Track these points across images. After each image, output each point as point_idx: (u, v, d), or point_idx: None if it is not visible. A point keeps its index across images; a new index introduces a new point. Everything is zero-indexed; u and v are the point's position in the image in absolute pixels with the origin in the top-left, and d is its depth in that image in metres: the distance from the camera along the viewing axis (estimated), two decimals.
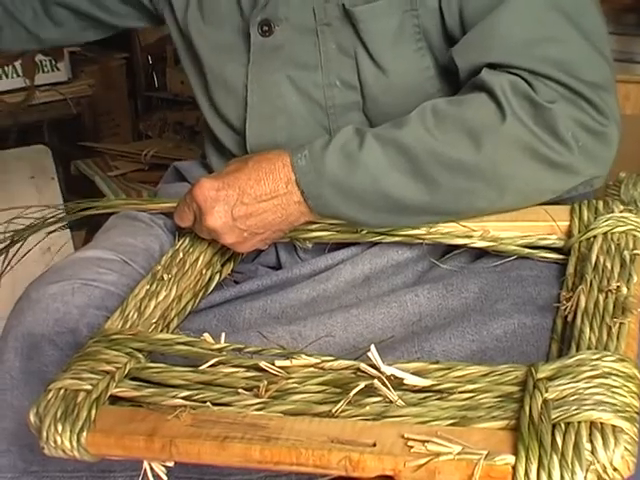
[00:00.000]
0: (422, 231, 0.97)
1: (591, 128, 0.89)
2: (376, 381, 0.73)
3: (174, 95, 2.47)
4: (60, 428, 0.75)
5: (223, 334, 0.84)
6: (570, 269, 0.90)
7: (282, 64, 1.03)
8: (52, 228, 1.11)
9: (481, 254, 0.98)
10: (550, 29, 0.91)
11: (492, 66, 0.91)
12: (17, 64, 2.46)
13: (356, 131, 0.93)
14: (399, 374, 0.73)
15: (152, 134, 2.45)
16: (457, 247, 0.99)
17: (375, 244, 1.01)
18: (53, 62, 2.54)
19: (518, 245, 0.96)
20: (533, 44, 0.90)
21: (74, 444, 0.74)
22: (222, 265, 1.05)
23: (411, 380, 0.73)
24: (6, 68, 2.45)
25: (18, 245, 1.10)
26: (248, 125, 1.06)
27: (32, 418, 0.77)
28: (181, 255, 1.01)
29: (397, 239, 0.99)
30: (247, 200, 0.93)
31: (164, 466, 0.75)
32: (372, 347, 0.75)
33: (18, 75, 2.48)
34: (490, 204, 0.93)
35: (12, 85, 2.47)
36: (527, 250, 0.96)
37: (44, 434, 0.75)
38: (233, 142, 1.10)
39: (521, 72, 0.89)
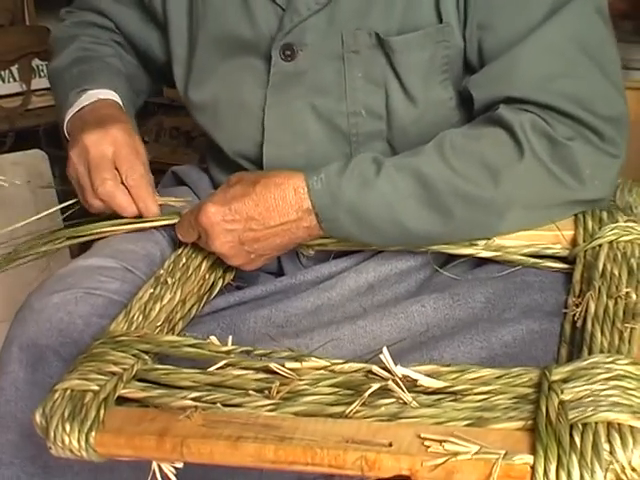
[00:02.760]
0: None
1: (605, 164, 0.92)
2: (390, 382, 0.72)
3: (170, 100, 2.45)
4: (68, 428, 0.73)
5: (230, 337, 0.83)
6: (577, 276, 0.91)
7: (304, 90, 1.02)
8: (46, 248, 1.10)
9: (485, 261, 0.98)
10: (569, 65, 0.92)
11: (509, 100, 0.92)
12: (14, 69, 2.44)
13: (373, 158, 0.93)
14: (413, 375, 0.73)
15: (148, 139, 2.43)
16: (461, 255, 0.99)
17: (378, 252, 1.01)
18: None
19: (523, 254, 0.97)
20: (552, 80, 0.91)
21: (82, 444, 0.73)
22: (224, 270, 1.04)
23: (425, 381, 0.73)
24: (2, 73, 2.43)
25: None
26: (265, 150, 1.05)
27: (38, 418, 0.76)
28: (184, 260, 1.01)
29: (402, 249, 0.99)
30: (255, 227, 0.93)
31: (173, 467, 0.74)
32: (384, 350, 0.75)
33: (15, 80, 2.46)
34: (498, 232, 0.95)
35: (9, 90, 2.44)
36: (532, 260, 0.96)
37: (51, 434, 0.74)
38: (245, 161, 1.09)
39: (539, 109, 0.91)
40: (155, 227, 1.06)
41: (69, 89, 1.11)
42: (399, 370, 0.73)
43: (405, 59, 0.98)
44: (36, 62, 2.47)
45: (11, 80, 2.45)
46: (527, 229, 0.96)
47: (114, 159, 1.01)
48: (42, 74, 2.49)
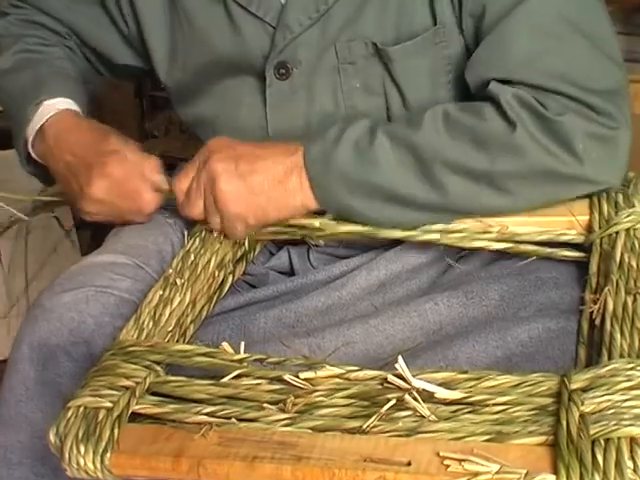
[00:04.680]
0: (438, 235, 0.95)
1: (602, 137, 0.89)
2: (407, 396, 0.71)
3: None
4: (83, 449, 0.72)
5: (243, 344, 0.82)
6: (593, 268, 0.89)
7: (303, 105, 1.00)
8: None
9: (499, 255, 0.96)
10: (555, 40, 0.90)
11: (498, 81, 0.90)
12: None
13: (369, 128, 0.92)
14: (430, 388, 0.71)
15: (158, 133, 2.41)
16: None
17: (389, 249, 0.99)
18: None
19: (537, 241, 0.95)
20: (537, 58, 0.89)
21: (98, 465, 0.72)
22: (234, 266, 1.02)
23: (442, 394, 0.72)
24: None
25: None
26: None
27: (52, 438, 0.75)
28: (192, 257, 0.99)
29: (413, 240, 0.97)
30: (253, 159, 0.93)
31: None
32: (399, 358, 0.74)
33: None
34: (502, 208, 0.93)
35: None
36: (547, 250, 0.94)
37: (66, 456, 0.73)
38: None
39: (526, 88, 0.89)
40: None
41: (23, 98, 1.10)
42: (416, 383, 0.72)
43: (404, 67, 0.96)
44: None
45: None
46: (532, 207, 0.93)
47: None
48: None
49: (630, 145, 0.92)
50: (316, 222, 0.98)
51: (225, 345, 0.82)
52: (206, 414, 0.74)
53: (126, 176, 1.01)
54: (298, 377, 0.76)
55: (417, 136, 0.90)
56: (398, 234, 0.96)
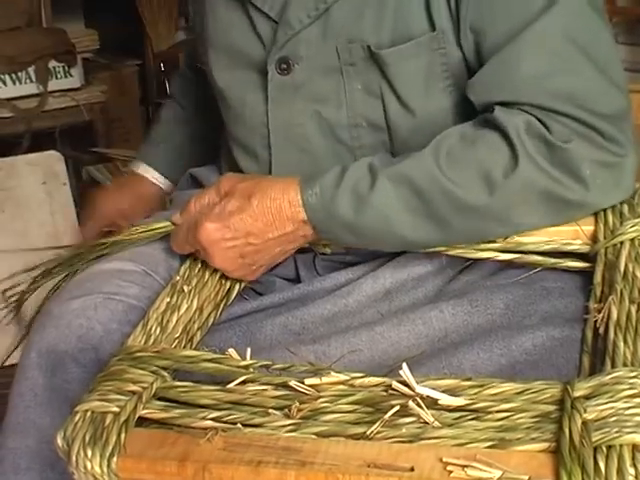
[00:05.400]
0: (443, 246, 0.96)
1: (609, 164, 0.89)
2: (411, 402, 0.72)
3: None
4: (90, 453, 0.73)
5: (249, 350, 0.83)
6: (598, 277, 0.89)
7: (304, 104, 1.00)
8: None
9: (504, 264, 0.97)
10: (563, 63, 0.89)
11: (504, 103, 0.90)
12: (30, 70, 2.47)
13: (369, 168, 0.91)
14: (434, 394, 0.72)
15: None
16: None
17: (395, 257, 1.00)
18: (66, 68, 2.54)
19: (542, 251, 0.95)
20: (545, 79, 0.89)
21: (104, 469, 0.73)
22: None
23: (446, 400, 0.72)
24: (19, 74, 2.45)
25: None
26: (274, 168, 1.04)
27: (60, 442, 0.76)
28: (200, 265, 1.00)
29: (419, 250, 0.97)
30: (254, 241, 0.93)
31: None
32: (404, 365, 0.74)
33: (31, 81, 2.49)
34: (504, 236, 0.94)
35: (25, 91, 2.47)
36: (552, 260, 0.95)
37: (73, 459, 0.74)
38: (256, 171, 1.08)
39: (533, 110, 0.88)
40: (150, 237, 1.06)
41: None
42: (420, 390, 0.72)
43: (399, 70, 0.96)
44: (52, 64, 2.51)
45: (28, 81, 2.47)
46: (530, 232, 0.93)
47: None
48: (58, 76, 2.51)
49: (636, 170, 0.93)
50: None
51: (231, 351, 0.83)
52: (212, 419, 0.75)
53: None
54: (303, 383, 0.77)
55: (420, 176, 0.89)
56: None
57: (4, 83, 2.45)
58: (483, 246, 0.96)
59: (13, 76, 2.46)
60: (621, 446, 0.65)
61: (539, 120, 0.88)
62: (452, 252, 0.95)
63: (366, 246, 0.96)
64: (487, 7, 0.91)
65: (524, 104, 0.88)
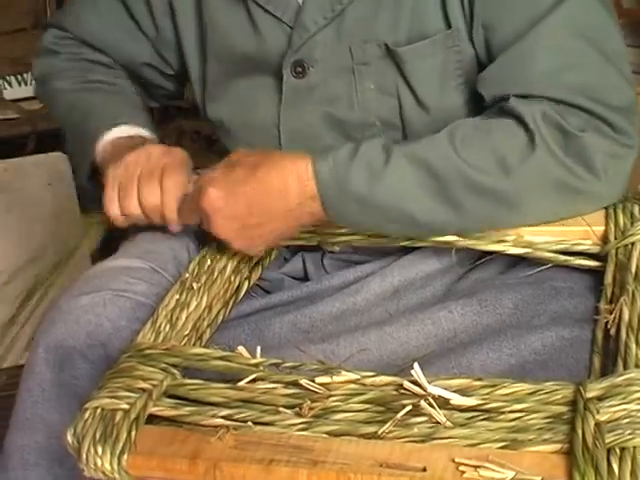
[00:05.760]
0: (453, 237, 0.96)
1: (619, 155, 0.90)
2: (422, 402, 0.71)
3: (191, 104, 2.44)
4: (100, 450, 0.73)
5: (259, 348, 0.83)
6: (608, 278, 0.89)
7: (317, 105, 1.00)
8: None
9: (513, 263, 0.97)
10: (574, 57, 0.91)
11: (519, 96, 0.90)
12: None
13: (383, 146, 0.90)
14: (445, 394, 0.72)
15: (169, 143, 2.42)
16: (489, 253, 0.98)
17: (403, 255, 1.00)
18: None
19: (553, 251, 0.95)
20: (558, 73, 0.90)
21: (115, 466, 0.73)
22: (250, 271, 1.03)
23: (458, 400, 0.72)
24: (25, 75, 2.44)
25: None
26: None
27: (70, 439, 0.76)
28: (209, 262, 1.00)
29: (428, 244, 0.97)
30: (257, 212, 0.92)
31: None
32: (415, 365, 0.74)
33: None
34: (510, 225, 0.94)
35: (31, 92, 2.41)
36: (563, 257, 0.94)
37: (83, 456, 0.74)
38: None
39: (548, 102, 0.89)
40: None
41: (97, 117, 1.10)
42: (432, 390, 0.72)
43: (416, 68, 0.96)
44: None
45: (33, 82, 2.45)
46: (543, 223, 0.93)
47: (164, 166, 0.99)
48: None
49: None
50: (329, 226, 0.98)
51: (241, 349, 0.83)
52: (222, 417, 0.75)
53: (179, 156, 1.02)
54: (314, 382, 0.76)
55: (435, 157, 0.89)
56: (408, 242, 0.96)
57: (9, 84, 2.45)
58: (492, 246, 0.96)
59: (19, 77, 2.45)
60: (634, 448, 0.65)
61: (555, 110, 0.88)
62: (462, 243, 0.95)
63: (371, 228, 0.94)
64: (499, 3, 0.92)
65: (538, 97, 0.89)
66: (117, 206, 1.00)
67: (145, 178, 0.98)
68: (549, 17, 0.90)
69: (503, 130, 0.89)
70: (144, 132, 1.09)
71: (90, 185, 1.11)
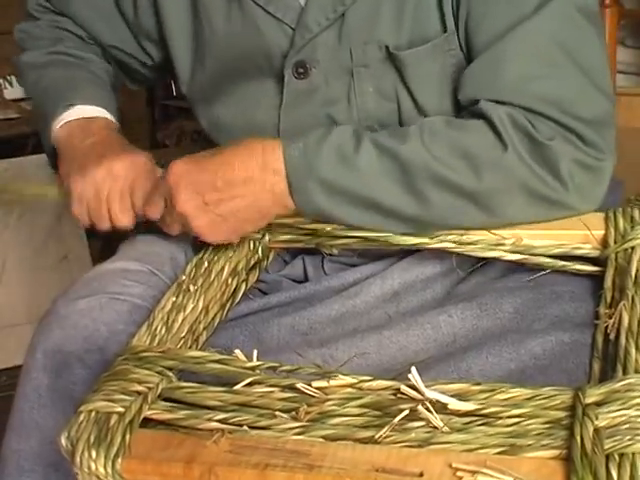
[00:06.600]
0: (452, 244, 0.94)
1: (588, 165, 0.89)
2: (420, 406, 0.71)
3: None
4: (94, 454, 0.72)
5: (255, 351, 0.82)
6: (608, 282, 0.88)
7: (317, 107, 1.00)
8: None
9: (513, 268, 0.96)
10: (548, 65, 0.90)
11: (488, 100, 0.90)
12: None
13: (354, 132, 0.91)
14: (443, 399, 0.71)
15: (169, 143, 2.41)
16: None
17: (403, 258, 0.99)
18: None
19: (552, 254, 0.94)
20: (530, 82, 0.89)
21: (109, 470, 0.72)
22: (247, 273, 1.02)
23: (455, 405, 0.71)
24: None
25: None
26: None
27: (64, 442, 0.75)
28: (206, 264, 0.99)
29: (428, 247, 0.96)
30: (219, 185, 0.91)
31: None
32: (413, 369, 0.73)
33: None
34: (477, 225, 0.93)
35: None
36: (561, 263, 0.94)
37: (77, 460, 0.73)
38: None
39: (518, 109, 0.89)
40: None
41: (55, 96, 1.10)
42: (429, 394, 0.71)
43: (416, 72, 0.96)
44: None
45: None
46: (516, 225, 0.93)
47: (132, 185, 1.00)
48: None
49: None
50: (328, 227, 0.97)
51: (238, 352, 0.82)
52: (218, 421, 0.74)
53: (143, 169, 1.01)
54: (311, 386, 0.76)
55: (405, 148, 0.89)
56: (412, 241, 0.95)
57: (10, 84, 2.44)
58: (491, 249, 0.95)
59: (19, 77, 2.45)
60: (633, 454, 0.64)
61: (524, 118, 0.88)
62: (460, 249, 0.94)
63: (336, 217, 0.93)
64: (480, 6, 0.92)
65: (508, 104, 0.89)
66: (87, 220, 1.02)
67: (116, 202, 0.99)
68: (527, 22, 0.89)
69: (473, 131, 0.89)
70: (100, 111, 1.09)
71: (53, 161, 1.12)
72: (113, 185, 0.99)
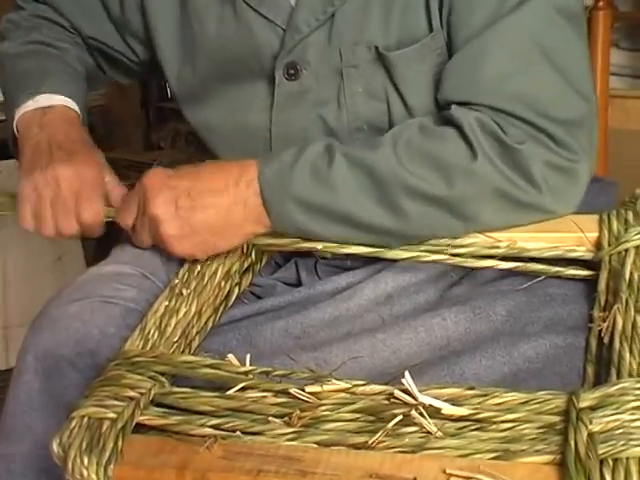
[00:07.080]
0: (445, 256, 0.94)
1: (560, 167, 0.89)
2: (413, 411, 0.70)
3: None
4: (86, 460, 0.72)
5: (248, 356, 0.82)
6: (602, 285, 0.88)
7: (308, 108, 1.00)
8: None
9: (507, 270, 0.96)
10: (523, 64, 0.90)
11: (462, 103, 0.90)
12: None
13: (326, 148, 0.91)
14: (437, 404, 0.71)
15: (164, 145, 2.41)
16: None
17: (396, 261, 0.98)
18: None
19: (546, 257, 0.94)
20: (504, 81, 0.89)
21: (101, 477, 0.71)
22: (240, 277, 1.02)
23: (449, 410, 0.71)
24: None
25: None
26: None
27: (55, 448, 0.75)
28: (199, 268, 0.98)
29: (422, 259, 0.95)
30: (193, 192, 0.92)
31: None
32: (406, 373, 0.73)
33: None
34: (452, 233, 0.93)
35: None
36: (555, 269, 0.93)
37: (69, 466, 0.73)
38: None
39: (488, 110, 0.89)
40: None
41: (23, 85, 1.10)
42: (423, 399, 0.71)
43: (405, 72, 0.96)
44: None
45: None
46: (494, 230, 0.93)
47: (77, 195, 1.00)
48: None
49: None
50: (319, 245, 0.96)
51: (231, 357, 0.82)
52: (211, 426, 0.74)
53: (89, 179, 1.01)
54: (304, 391, 0.75)
55: (376, 160, 0.89)
56: (405, 255, 0.95)
57: None
58: (485, 252, 0.95)
59: None
60: (627, 459, 0.64)
61: (494, 121, 0.88)
62: (453, 261, 0.94)
63: (314, 233, 0.93)
64: (460, 5, 0.92)
65: (481, 105, 0.89)
66: (32, 226, 1.01)
67: (60, 211, 0.99)
68: (506, 19, 0.90)
69: (445, 138, 0.89)
70: (62, 99, 1.08)
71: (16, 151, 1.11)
72: (56, 190, 0.99)
